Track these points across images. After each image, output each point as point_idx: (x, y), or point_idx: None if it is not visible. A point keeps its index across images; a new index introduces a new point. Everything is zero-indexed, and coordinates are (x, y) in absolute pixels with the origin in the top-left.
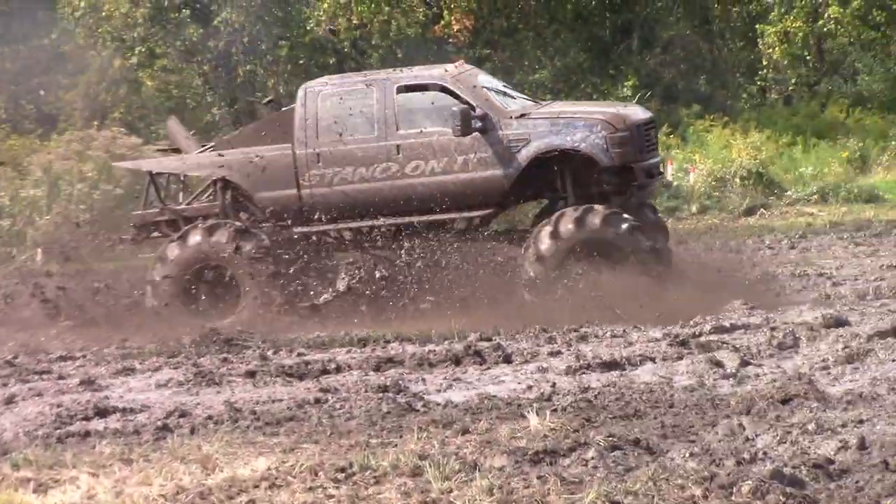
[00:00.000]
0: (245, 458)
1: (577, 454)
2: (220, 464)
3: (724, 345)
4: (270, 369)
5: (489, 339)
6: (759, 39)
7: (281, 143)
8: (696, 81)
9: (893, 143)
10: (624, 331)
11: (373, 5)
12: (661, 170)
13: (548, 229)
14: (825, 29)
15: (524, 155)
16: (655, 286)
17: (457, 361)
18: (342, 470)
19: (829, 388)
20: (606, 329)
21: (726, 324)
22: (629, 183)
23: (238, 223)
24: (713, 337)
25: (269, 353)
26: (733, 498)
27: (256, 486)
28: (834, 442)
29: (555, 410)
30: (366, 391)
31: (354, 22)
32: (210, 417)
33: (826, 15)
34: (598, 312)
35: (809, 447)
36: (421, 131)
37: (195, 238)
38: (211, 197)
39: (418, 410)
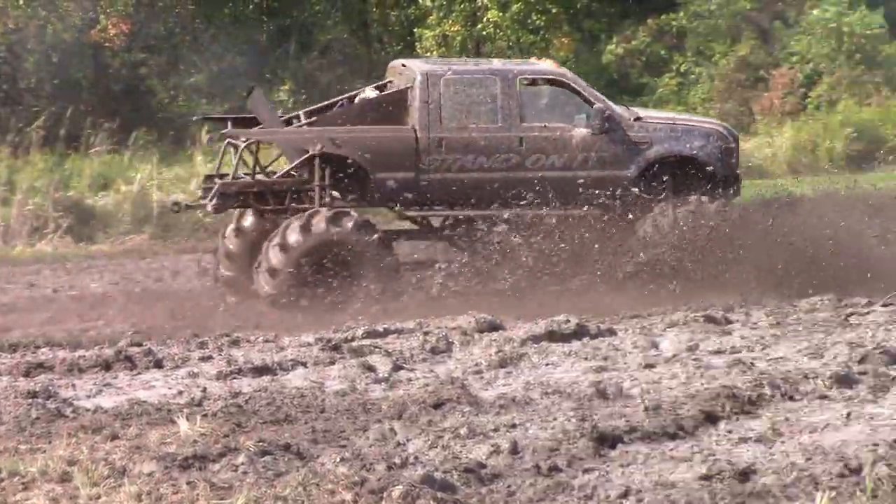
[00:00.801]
0: None
1: (226, 459)
2: None
3: (377, 349)
4: None
5: (140, 345)
6: (417, 43)
7: (386, 123)
8: (354, 85)
9: None
10: (276, 336)
11: (28, 10)
12: None
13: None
14: (484, 32)
15: (646, 158)
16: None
17: (107, 367)
18: None
19: (481, 393)
20: (259, 334)
21: (379, 328)
22: (735, 192)
23: (353, 212)
24: (366, 342)
25: None
26: (384, 503)
27: None
28: (486, 446)
29: (205, 416)
30: (15, 397)
31: (11, 26)
32: None
33: (485, 19)
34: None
35: (461, 452)
36: (545, 125)
37: (320, 225)
38: (300, 172)
39: (68, 416)
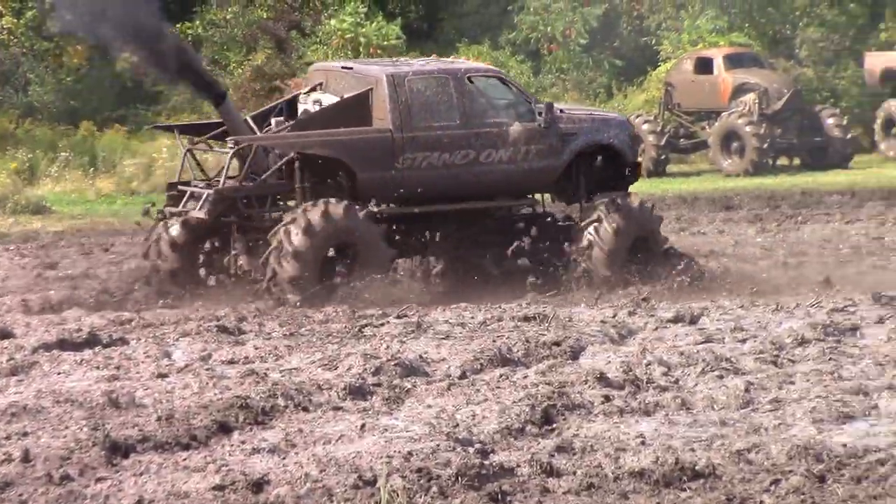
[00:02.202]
0: None
1: None
2: None
3: None
4: None
5: None
6: None
7: (358, 125)
8: None
9: (62, 154)
10: None
11: None
12: None
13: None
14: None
15: (572, 149)
16: None
17: None
18: None
19: None
20: None
21: None
22: (636, 177)
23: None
24: None
25: None
26: None
27: None
28: None
29: None
30: None
31: None
32: None
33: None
34: None
35: None
36: (494, 121)
37: (338, 212)
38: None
39: None
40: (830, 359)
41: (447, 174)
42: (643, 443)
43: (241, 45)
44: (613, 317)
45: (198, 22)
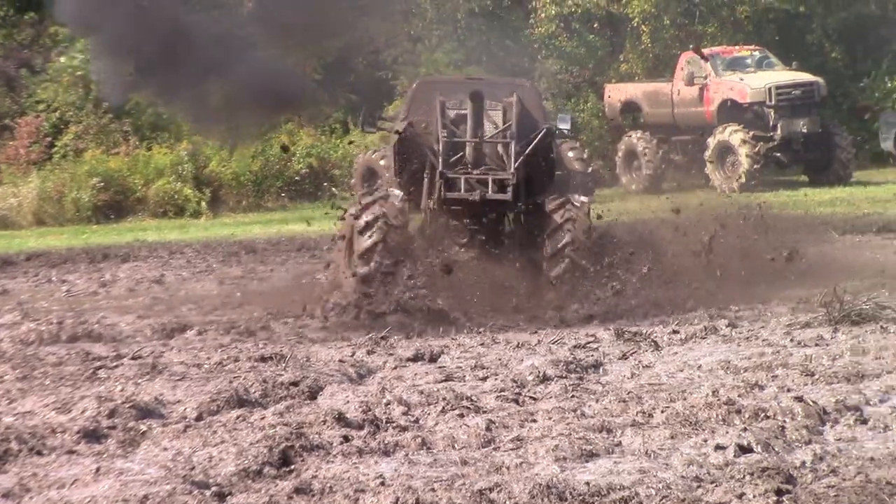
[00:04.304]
0: None
1: None
2: None
3: None
4: None
5: None
6: None
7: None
8: None
9: None
10: None
11: None
12: None
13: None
14: None
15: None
16: None
17: None
18: None
19: None
20: None
21: None
22: None
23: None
24: None
25: None
26: None
27: None
28: None
29: None
30: None
31: None
32: None
33: None
34: None
35: None
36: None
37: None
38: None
39: None
40: (573, 396)
41: None
42: (383, 483)
43: None
44: (352, 355)
45: None
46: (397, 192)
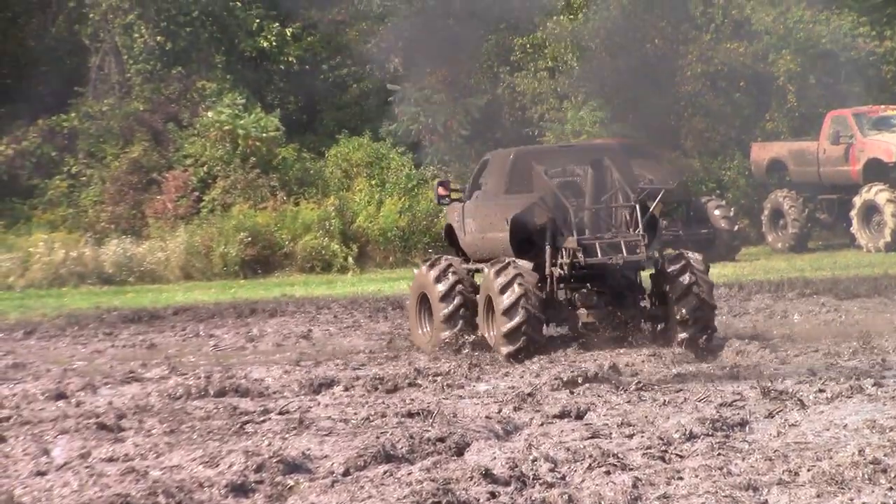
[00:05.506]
0: None
1: None
2: None
3: None
4: None
5: None
6: None
7: None
8: None
9: None
10: None
11: None
12: None
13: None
14: None
15: None
16: None
17: None
18: None
19: None
20: None
21: None
22: None
23: None
24: None
25: None
26: None
27: None
28: None
29: None
30: None
31: None
32: None
33: None
34: None
35: None
36: None
37: None
38: None
39: None
40: (719, 454)
41: None
42: None
43: (117, 137)
44: (498, 412)
45: (73, 114)
46: (522, 261)
